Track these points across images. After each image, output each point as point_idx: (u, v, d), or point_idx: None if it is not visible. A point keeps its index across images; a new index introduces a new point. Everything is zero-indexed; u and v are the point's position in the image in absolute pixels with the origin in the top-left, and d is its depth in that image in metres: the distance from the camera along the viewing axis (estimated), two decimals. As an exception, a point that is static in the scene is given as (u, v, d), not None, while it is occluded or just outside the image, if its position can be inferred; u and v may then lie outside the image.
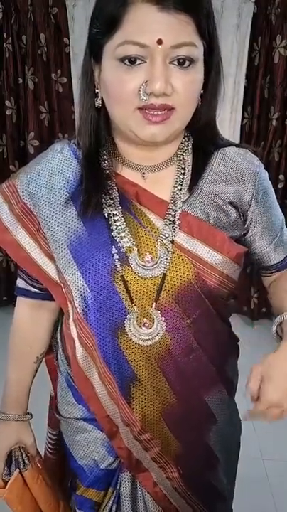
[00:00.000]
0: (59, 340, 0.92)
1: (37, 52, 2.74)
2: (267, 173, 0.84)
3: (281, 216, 0.87)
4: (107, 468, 0.86)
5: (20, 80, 2.78)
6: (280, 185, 2.84)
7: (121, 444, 0.83)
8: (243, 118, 2.89)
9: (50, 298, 0.86)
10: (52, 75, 2.80)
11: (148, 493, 0.85)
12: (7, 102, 2.79)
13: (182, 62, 0.66)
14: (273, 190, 0.85)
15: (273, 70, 2.67)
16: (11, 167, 2.90)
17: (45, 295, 0.87)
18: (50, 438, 1.03)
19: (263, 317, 2.97)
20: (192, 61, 0.66)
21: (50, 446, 1.03)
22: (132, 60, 0.65)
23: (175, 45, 0.64)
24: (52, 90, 2.83)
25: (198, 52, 0.67)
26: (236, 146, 0.83)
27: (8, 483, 0.87)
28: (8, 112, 2.81)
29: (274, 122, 2.75)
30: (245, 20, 2.71)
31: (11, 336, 0.93)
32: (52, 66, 2.78)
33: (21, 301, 0.93)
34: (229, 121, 2.88)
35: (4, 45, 2.70)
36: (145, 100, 0.65)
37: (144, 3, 0.63)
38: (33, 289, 0.88)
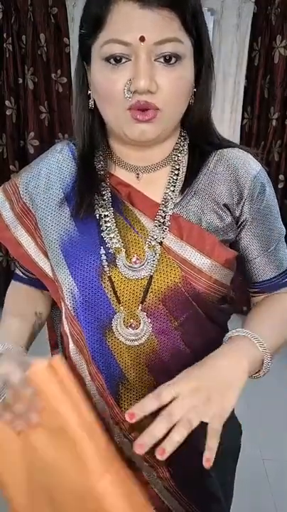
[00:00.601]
0: (59, 336, 0.93)
1: (37, 52, 2.74)
2: (269, 181, 0.81)
3: (282, 230, 0.83)
4: None
5: (20, 80, 2.78)
6: (280, 185, 2.84)
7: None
8: (243, 118, 2.89)
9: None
10: (52, 75, 2.80)
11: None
12: (7, 102, 2.79)
13: (168, 59, 0.65)
14: (275, 199, 0.82)
15: (273, 70, 2.67)
16: (11, 167, 2.90)
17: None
18: None
19: (263, 317, 2.97)
20: (178, 57, 0.65)
21: None
22: (117, 59, 0.65)
23: (159, 41, 0.63)
24: (52, 90, 2.83)
25: (184, 48, 0.66)
26: (237, 147, 0.81)
27: None
28: (8, 112, 2.81)
29: (274, 122, 2.75)
30: (245, 20, 2.71)
31: (4, 305, 0.90)
32: (52, 66, 2.78)
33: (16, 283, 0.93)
34: (229, 121, 2.88)
35: (4, 45, 2.70)
36: (130, 98, 0.65)
37: (126, 2, 0.62)
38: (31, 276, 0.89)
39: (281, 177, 2.84)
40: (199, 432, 0.84)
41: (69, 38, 2.73)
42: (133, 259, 0.75)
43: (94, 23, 0.66)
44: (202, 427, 0.83)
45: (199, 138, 0.80)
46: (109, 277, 0.74)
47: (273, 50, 2.65)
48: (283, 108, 2.74)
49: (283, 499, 1.74)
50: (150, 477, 0.84)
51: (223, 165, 0.78)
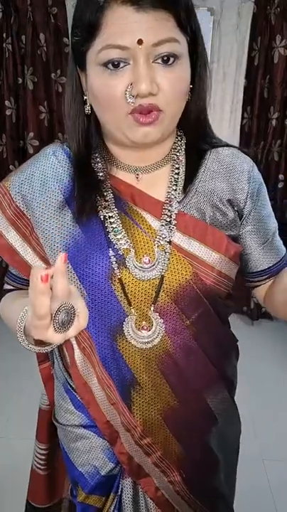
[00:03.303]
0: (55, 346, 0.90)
1: (36, 52, 2.74)
2: (261, 176, 0.83)
3: (274, 223, 0.86)
4: (108, 475, 0.85)
5: (20, 80, 2.78)
6: (280, 185, 2.84)
7: (123, 450, 0.82)
8: (243, 118, 2.89)
9: None
10: (52, 75, 2.80)
11: (150, 498, 0.84)
12: (7, 102, 2.78)
13: (166, 60, 0.65)
14: (267, 193, 0.84)
15: (272, 70, 2.67)
16: (11, 167, 2.90)
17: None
18: (38, 453, 1.00)
19: (263, 317, 2.97)
20: (176, 57, 0.66)
21: (40, 461, 1.00)
22: (115, 64, 0.64)
23: (156, 42, 0.63)
24: (52, 90, 2.83)
25: (181, 47, 0.66)
26: (230, 146, 0.82)
27: None
28: (7, 112, 2.81)
29: (274, 122, 2.75)
30: (245, 20, 2.71)
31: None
32: (52, 66, 2.78)
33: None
34: (228, 121, 2.89)
35: (4, 45, 2.70)
36: (133, 103, 0.65)
37: (120, 6, 0.62)
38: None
39: (281, 177, 2.84)
40: (210, 429, 0.84)
41: (69, 38, 2.72)
42: (144, 260, 0.74)
43: (88, 29, 0.65)
44: (213, 425, 0.83)
45: (196, 137, 0.80)
46: (119, 279, 0.73)
47: (272, 50, 2.64)
48: (283, 108, 2.73)
49: (283, 499, 1.74)
50: (161, 482, 0.83)
51: (219, 162, 0.79)
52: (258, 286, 0.89)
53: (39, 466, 1.00)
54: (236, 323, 3.08)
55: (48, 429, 0.97)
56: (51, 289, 0.54)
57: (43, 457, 0.99)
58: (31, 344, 0.68)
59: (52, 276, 0.53)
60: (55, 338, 0.58)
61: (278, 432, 2.06)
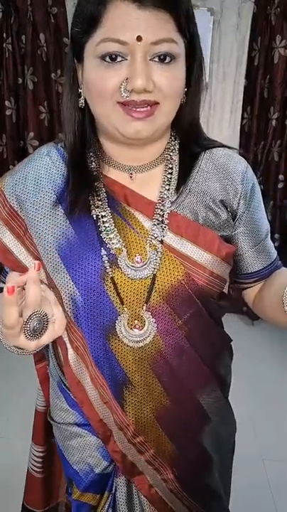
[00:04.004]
0: (50, 345, 0.89)
1: (36, 52, 2.74)
2: (255, 177, 0.84)
3: (267, 225, 0.86)
4: (102, 473, 0.86)
5: (20, 80, 2.78)
6: (280, 186, 2.84)
7: (116, 448, 0.83)
8: (242, 118, 2.89)
9: None
10: (52, 75, 2.80)
11: (144, 496, 0.85)
12: (7, 102, 2.78)
13: (163, 59, 0.66)
14: (261, 195, 0.85)
15: (272, 70, 2.67)
16: (11, 167, 2.90)
17: None
18: (35, 455, 1.00)
19: (263, 317, 2.97)
20: (173, 57, 0.67)
21: (36, 463, 1.00)
22: (113, 57, 0.65)
23: (155, 41, 0.64)
24: (52, 90, 2.83)
25: (178, 49, 0.67)
26: (223, 147, 0.83)
27: None
28: (7, 112, 2.81)
29: (274, 122, 2.75)
30: (245, 20, 2.71)
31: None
32: (52, 66, 2.78)
33: None
34: (228, 121, 2.88)
35: (4, 45, 2.69)
36: (127, 97, 0.65)
37: (123, 2, 0.63)
38: None
39: (281, 177, 2.84)
40: (202, 428, 0.84)
41: (69, 38, 2.73)
42: (136, 259, 0.74)
43: (89, 21, 0.66)
44: (206, 424, 0.84)
45: (189, 138, 0.81)
46: (112, 278, 0.74)
47: (272, 50, 2.64)
48: (283, 108, 2.73)
49: (283, 499, 1.74)
50: (154, 480, 0.84)
51: (213, 163, 0.80)
52: (247, 288, 0.89)
53: (35, 468, 1.00)
54: (236, 323, 3.09)
55: (44, 431, 0.97)
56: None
57: (40, 460, 1.00)
58: (13, 346, 0.69)
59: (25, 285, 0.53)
60: (28, 344, 0.61)
61: (278, 432, 2.05)
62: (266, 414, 2.16)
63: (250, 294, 0.89)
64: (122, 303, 0.74)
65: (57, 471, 1.00)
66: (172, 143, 0.80)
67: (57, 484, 1.02)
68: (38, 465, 1.00)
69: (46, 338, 0.62)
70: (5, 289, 0.54)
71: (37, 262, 0.56)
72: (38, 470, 1.00)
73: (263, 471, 1.85)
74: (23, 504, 1.05)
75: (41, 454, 0.99)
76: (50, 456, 0.98)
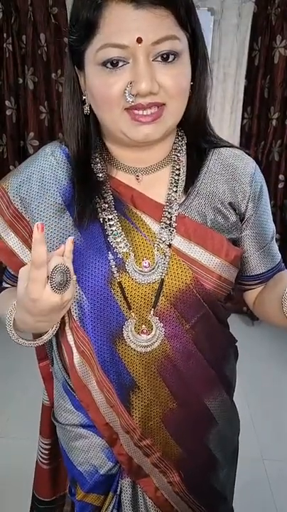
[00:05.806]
0: (55, 347, 0.88)
1: (37, 52, 2.74)
2: (263, 178, 0.82)
3: (273, 228, 0.85)
4: (107, 474, 0.85)
5: (20, 80, 2.78)
6: (280, 186, 2.84)
7: (122, 451, 0.82)
8: (243, 118, 2.89)
9: None
10: (52, 75, 2.80)
11: (149, 498, 0.84)
12: (7, 102, 2.78)
13: (166, 58, 0.64)
14: (268, 197, 0.83)
15: (273, 70, 2.67)
16: (11, 167, 2.90)
17: None
18: (42, 448, 1.00)
19: (263, 317, 2.97)
20: (176, 54, 0.65)
21: (44, 456, 1.00)
22: (114, 63, 0.63)
23: (156, 41, 0.62)
24: (52, 90, 2.83)
25: (181, 44, 0.65)
26: (231, 147, 0.81)
27: None
28: (8, 112, 2.81)
29: (274, 122, 2.75)
30: (245, 21, 2.71)
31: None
32: (52, 66, 2.78)
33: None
34: (228, 121, 2.89)
35: (4, 45, 2.70)
36: (132, 102, 0.64)
37: (119, 4, 0.61)
38: None
39: (281, 177, 2.84)
40: (209, 431, 0.84)
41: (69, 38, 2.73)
42: (144, 263, 0.73)
43: (86, 28, 0.64)
44: (212, 427, 0.84)
45: (196, 136, 0.79)
46: (119, 283, 0.72)
47: (273, 50, 2.64)
48: (283, 108, 2.73)
49: (283, 499, 1.74)
50: (160, 483, 0.83)
51: (221, 164, 0.78)
52: (249, 289, 0.88)
53: (43, 460, 1.01)
54: (236, 323, 3.09)
55: (51, 424, 0.97)
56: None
57: (47, 452, 1.00)
58: (20, 338, 0.72)
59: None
60: (52, 298, 0.60)
61: (278, 432, 2.05)
62: (266, 413, 2.16)
63: (251, 295, 0.89)
64: (129, 308, 0.73)
65: (63, 463, 1.01)
66: (179, 143, 0.79)
67: (64, 475, 1.02)
68: (46, 457, 1.01)
69: (70, 294, 0.62)
70: (35, 228, 0.57)
71: (39, 222, 0.57)
72: (46, 462, 1.01)
73: (263, 471, 1.86)
74: (33, 494, 1.07)
75: (48, 447, 1.00)
76: (56, 448, 0.98)
